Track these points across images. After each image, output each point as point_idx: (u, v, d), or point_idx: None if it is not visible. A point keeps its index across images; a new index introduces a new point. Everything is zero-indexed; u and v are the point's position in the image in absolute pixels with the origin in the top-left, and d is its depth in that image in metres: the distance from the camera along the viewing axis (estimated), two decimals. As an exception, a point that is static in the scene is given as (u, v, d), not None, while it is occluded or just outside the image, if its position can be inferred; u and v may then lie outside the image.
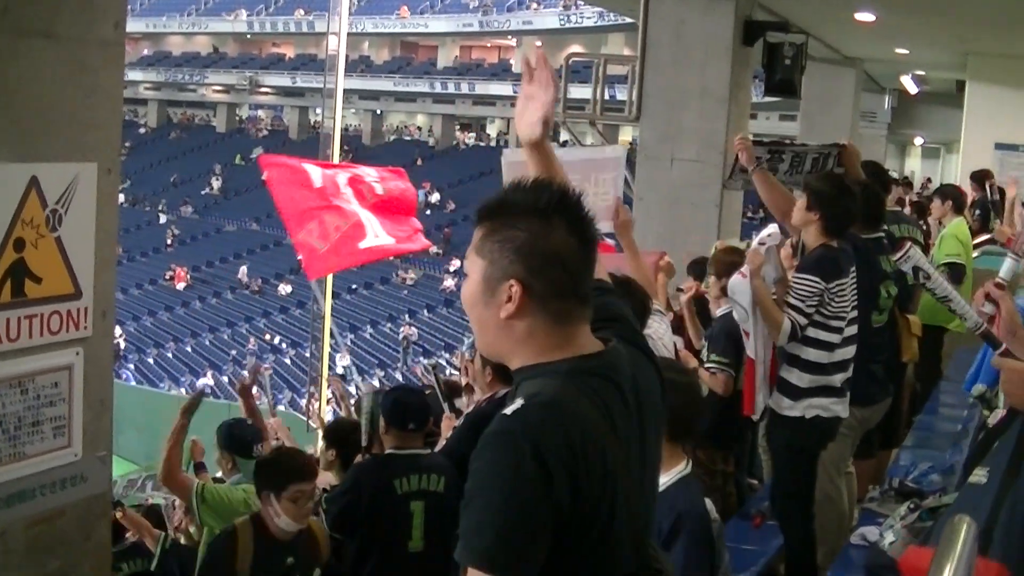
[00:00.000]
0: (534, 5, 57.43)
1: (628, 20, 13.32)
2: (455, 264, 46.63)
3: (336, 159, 29.19)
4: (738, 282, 6.34)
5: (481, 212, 2.83)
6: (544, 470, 2.55)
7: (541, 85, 3.21)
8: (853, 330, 6.29)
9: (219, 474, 7.92)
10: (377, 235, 14.43)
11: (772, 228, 6.78)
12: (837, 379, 6.24)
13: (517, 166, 6.07)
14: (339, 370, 38.70)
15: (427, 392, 8.23)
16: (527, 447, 2.56)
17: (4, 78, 3.51)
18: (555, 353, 2.77)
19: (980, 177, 12.74)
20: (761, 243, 6.47)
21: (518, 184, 2.82)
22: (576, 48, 45.37)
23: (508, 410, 2.67)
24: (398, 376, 39.51)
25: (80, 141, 3.78)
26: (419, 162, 59.99)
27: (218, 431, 7.52)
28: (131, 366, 44.85)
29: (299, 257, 15.64)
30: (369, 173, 14.26)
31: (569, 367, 2.76)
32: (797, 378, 6.20)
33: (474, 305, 2.83)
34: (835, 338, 6.20)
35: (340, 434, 7.50)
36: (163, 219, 61.78)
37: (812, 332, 6.17)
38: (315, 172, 14.17)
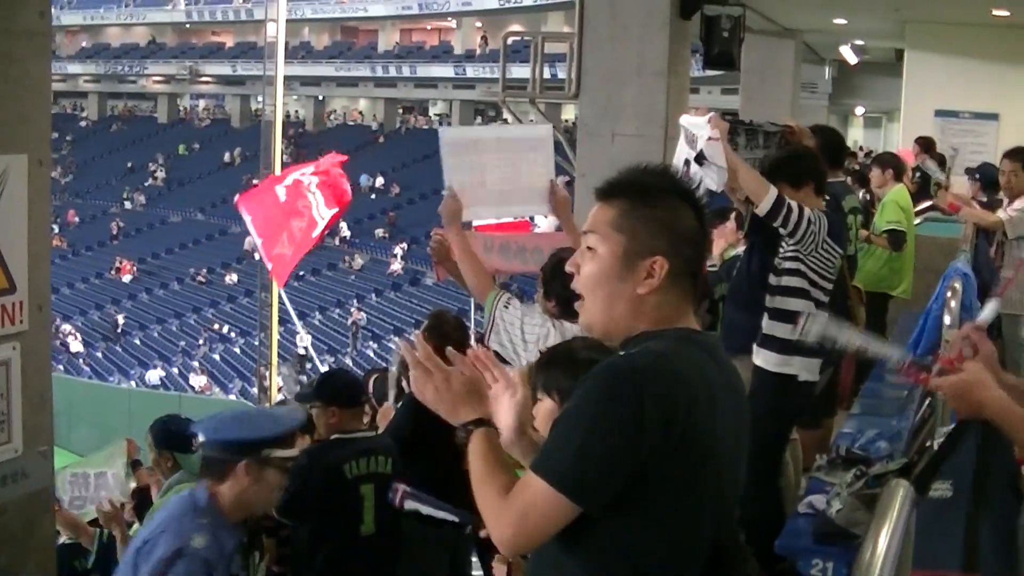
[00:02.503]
0: (473, -15, 57.34)
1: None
2: (401, 248, 46.54)
3: (278, 147, 29.12)
4: (711, 145, 6.35)
5: (614, 190, 2.93)
6: (639, 413, 2.64)
7: (504, 385, 3.17)
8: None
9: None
10: (323, 217, 14.95)
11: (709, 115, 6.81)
12: None
13: (458, 146, 6.03)
14: (300, 351, 38.63)
15: (376, 376, 8.26)
16: (629, 388, 2.67)
17: (-74, 71, 3.47)
18: (669, 324, 2.89)
19: (926, 143, 12.83)
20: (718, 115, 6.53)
21: (646, 167, 2.94)
22: (516, 27, 45.26)
23: (621, 353, 2.83)
24: (348, 362, 39.43)
25: (9, 133, 3.75)
26: (362, 147, 59.74)
27: (150, 431, 7.19)
28: (80, 360, 44.53)
29: (269, 268, 16.14)
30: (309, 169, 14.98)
31: (680, 335, 2.88)
32: (785, 331, 6.09)
33: (606, 279, 2.91)
34: (822, 297, 6.19)
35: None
36: (106, 212, 61.28)
37: (800, 283, 6.15)
38: (280, 189, 14.72)
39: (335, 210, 15.63)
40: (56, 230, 57.32)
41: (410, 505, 4.29)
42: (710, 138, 6.32)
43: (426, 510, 4.15)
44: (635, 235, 2.85)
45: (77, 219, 60.60)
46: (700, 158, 6.51)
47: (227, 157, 63.20)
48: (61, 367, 42.31)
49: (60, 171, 65.31)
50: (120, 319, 47.20)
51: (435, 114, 66.37)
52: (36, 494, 3.91)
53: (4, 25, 3.69)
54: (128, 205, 61.82)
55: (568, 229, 6.36)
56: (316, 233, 15.53)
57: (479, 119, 60.81)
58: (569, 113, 38.94)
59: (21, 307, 3.86)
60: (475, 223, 7.60)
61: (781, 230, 6.10)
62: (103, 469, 9.12)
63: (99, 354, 45.59)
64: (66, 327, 46.44)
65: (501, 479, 2.82)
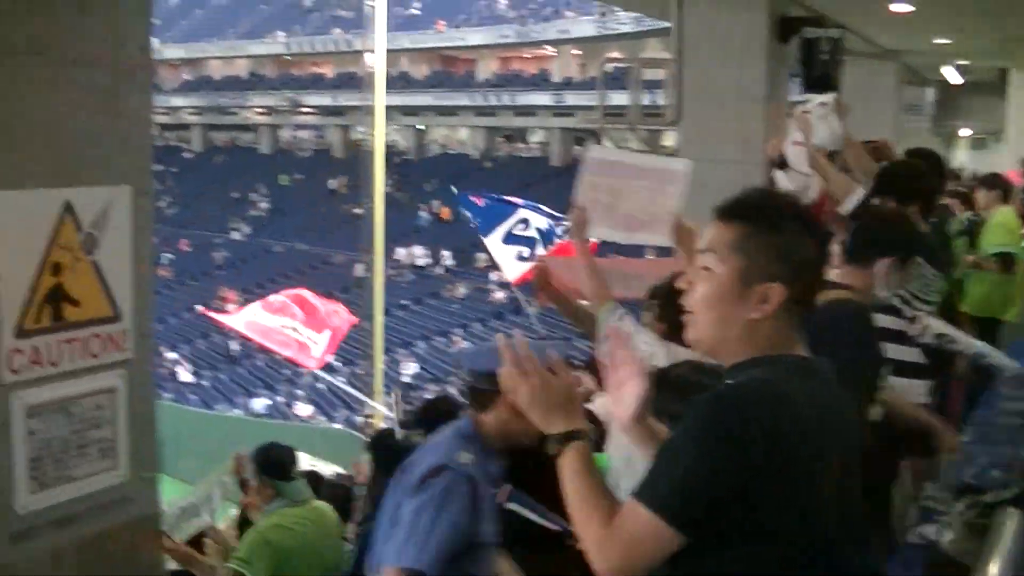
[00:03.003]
0: (570, 13, 57.38)
1: (664, 24, 13.30)
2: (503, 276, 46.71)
3: (380, 176, 29.34)
4: (794, 151, 6.30)
5: (735, 211, 2.91)
6: (745, 443, 2.63)
7: (634, 370, 3.17)
8: None
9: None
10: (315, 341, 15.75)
11: (825, 97, 6.76)
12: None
13: (601, 164, 6.05)
14: (406, 379, 38.84)
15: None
16: (735, 418, 2.66)
17: (31, 106, 3.54)
18: (778, 351, 2.86)
19: None
20: (806, 111, 6.47)
21: (765, 190, 2.96)
22: (614, 54, 45.23)
23: (727, 383, 2.82)
24: (452, 390, 39.50)
25: (112, 165, 3.81)
26: (464, 175, 59.98)
27: (252, 458, 7.23)
28: (187, 389, 45.05)
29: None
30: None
31: (789, 362, 2.85)
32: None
33: (719, 301, 2.89)
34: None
35: (382, 448, 7.45)
36: (210, 242, 62.03)
37: (896, 302, 5.86)
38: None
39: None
40: (163, 260, 58.22)
41: (512, 506, 4.30)
42: (794, 142, 6.28)
43: (527, 514, 4.15)
44: (753, 259, 2.82)
45: (189, 248, 61.38)
46: (783, 163, 6.47)
47: (329, 186, 63.74)
48: (168, 396, 42.86)
49: (165, 202, 66.33)
50: (234, 345, 47.70)
51: (535, 142, 66.50)
52: (142, 520, 3.97)
53: (106, 60, 3.76)
54: (233, 235, 62.54)
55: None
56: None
57: (578, 147, 60.86)
58: (668, 140, 38.85)
59: (126, 335, 3.91)
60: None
61: None
62: (203, 494, 9.22)
63: (205, 382, 46.09)
64: (172, 355, 47.05)
65: (603, 506, 2.80)
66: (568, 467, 2.93)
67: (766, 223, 2.85)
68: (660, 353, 5.34)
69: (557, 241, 15.27)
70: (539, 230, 15.45)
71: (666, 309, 5.39)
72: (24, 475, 3.55)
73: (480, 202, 16.99)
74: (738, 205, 2.91)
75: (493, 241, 16.08)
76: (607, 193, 5.82)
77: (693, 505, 2.65)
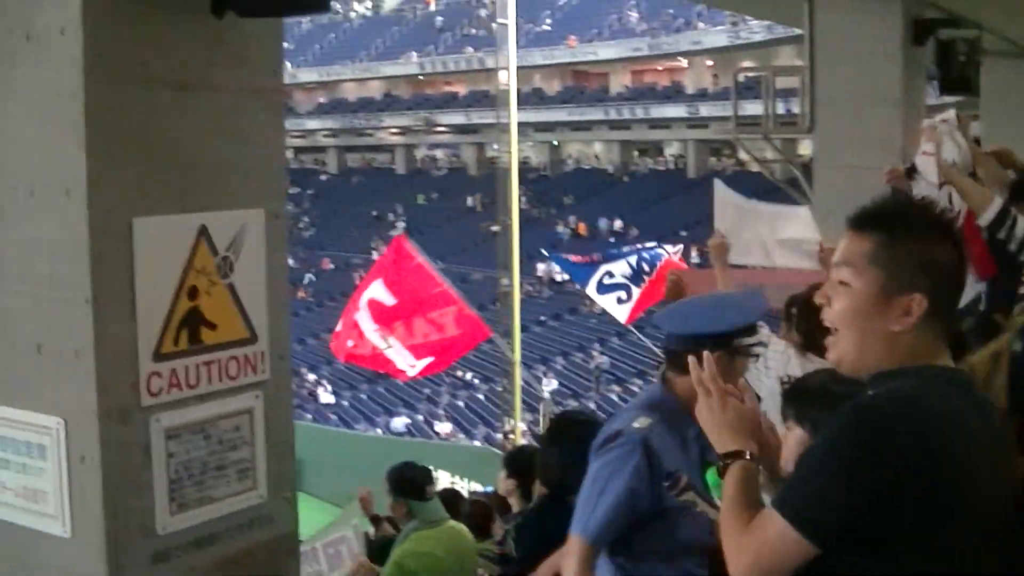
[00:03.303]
0: (701, 24, 57.11)
1: (797, 31, 13.18)
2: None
3: (515, 193, 29.44)
4: (923, 161, 6.21)
5: (870, 221, 2.86)
6: (885, 455, 2.60)
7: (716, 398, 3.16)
8: None
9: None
10: (413, 365, 15.12)
11: (946, 114, 6.68)
12: None
13: (728, 203, 6.08)
14: (545, 395, 38.92)
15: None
16: (876, 428, 2.63)
17: (165, 132, 3.59)
18: (921, 361, 2.81)
19: None
20: (932, 126, 6.39)
21: (906, 199, 2.92)
22: (747, 64, 44.92)
23: (869, 393, 2.78)
24: (591, 405, 39.48)
25: (245, 188, 3.85)
26: (599, 190, 59.95)
27: (387, 477, 7.28)
28: (327, 408, 45.53)
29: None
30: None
31: (932, 372, 2.80)
32: None
33: (859, 315, 2.84)
34: None
35: (520, 463, 7.37)
36: (348, 263, 62.70)
37: None
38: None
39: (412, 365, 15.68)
40: (302, 282, 58.99)
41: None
42: (923, 152, 6.20)
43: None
44: (893, 271, 2.76)
45: (331, 266, 62.10)
46: (912, 171, 6.37)
47: (467, 203, 64.08)
48: (309, 416, 43.37)
49: (302, 224, 67.19)
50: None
51: (671, 154, 66.29)
52: (281, 538, 4.00)
53: (237, 84, 3.81)
54: (373, 255, 63.17)
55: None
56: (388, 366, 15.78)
57: (714, 158, 60.56)
58: (805, 148, 38.45)
59: (262, 357, 3.95)
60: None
61: (1009, 247, 5.88)
62: (339, 534, 9.26)
63: (345, 402, 46.55)
64: (312, 376, 47.62)
65: (748, 514, 2.79)
66: (726, 483, 2.93)
67: (903, 231, 2.79)
68: (792, 361, 5.29)
69: (654, 269, 15.23)
70: (625, 275, 15.44)
71: (802, 320, 5.34)
72: (164, 496, 3.60)
73: (573, 259, 17.20)
74: (873, 214, 2.85)
75: (591, 291, 16.15)
76: (745, 222, 5.81)
77: (828, 516, 2.61)
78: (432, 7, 75.65)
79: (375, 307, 14.97)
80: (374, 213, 67.80)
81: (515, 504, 7.18)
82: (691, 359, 3.24)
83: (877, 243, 2.79)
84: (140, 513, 3.55)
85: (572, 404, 38.91)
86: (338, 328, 15.96)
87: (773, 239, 5.97)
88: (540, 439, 7.67)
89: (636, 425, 4.15)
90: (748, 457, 2.98)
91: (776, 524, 2.67)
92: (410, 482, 7.03)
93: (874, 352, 2.82)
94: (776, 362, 5.35)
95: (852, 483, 2.59)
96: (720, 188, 6.16)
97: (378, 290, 15.06)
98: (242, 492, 3.86)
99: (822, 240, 6.17)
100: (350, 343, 15.35)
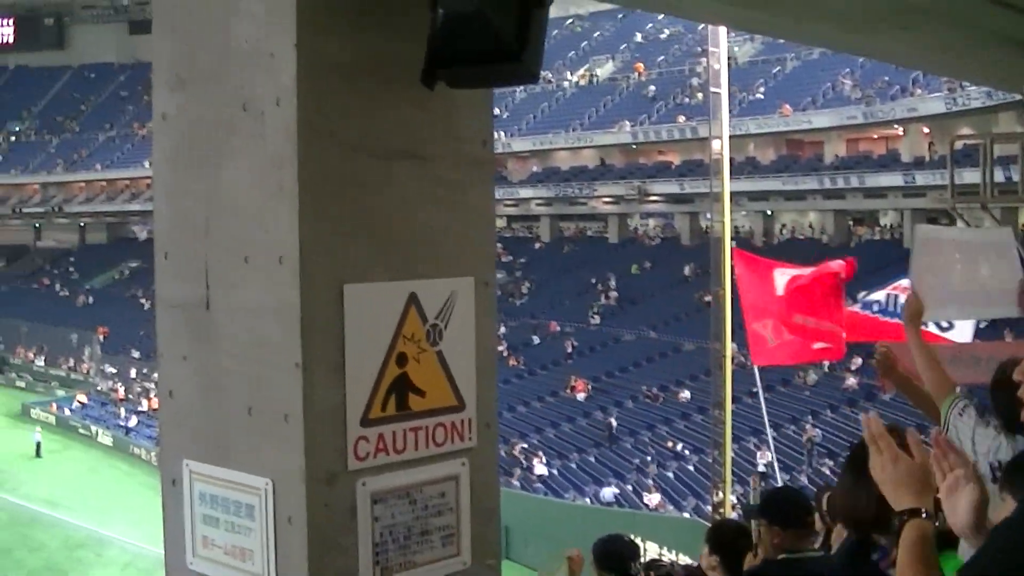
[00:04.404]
0: (918, 91, 56.11)
1: (1017, 97, 12.86)
2: (856, 362, 45.45)
3: (728, 262, 29.24)
4: None
5: None
6: None
7: (965, 475, 3.08)
8: None
9: None
10: (829, 344, 14.83)
11: None
12: None
13: (931, 244, 5.91)
14: (760, 468, 38.45)
15: (829, 492, 8.04)
16: None
17: (376, 200, 3.66)
18: None
19: None
20: None
21: None
22: (965, 131, 43.97)
23: None
24: (803, 479, 38.85)
25: (454, 257, 3.90)
26: (813, 261, 59.18)
27: (592, 549, 7.25)
28: (535, 477, 45.62)
29: (748, 342, 16.34)
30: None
31: None
32: None
33: None
34: None
35: (723, 538, 7.23)
36: (561, 331, 62.93)
37: None
38: (780, 280, 14.79)
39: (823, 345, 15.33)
40: (515, 350, 59.40)
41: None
42: None
43: None
44: None
45: (557, 329, 62.46)
46: None
47: (681, 273, 63.87)
48: (517, 484, 43.49)
49: (515, 292, 67.73)
50: (612, 421, 48.20)
51: (886, 224, 65.15)
52: (485, 606, 4.00)
53: (450, 157, 3.86)
54: (583, 324, 63.31)
55: None
56: (819, 346, 15.37)
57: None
58: (1025, 217, 37.50)
59: (469, 424, 3.98)
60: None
61: None
62: None
63: (554, 471, 46.58)
64: (522, 445, 47.83)
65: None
66: (904, 541, 2.87)
67: None
68: (1004, 446, 5.10)
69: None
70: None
71: (997, 397, 5.15)
72: (368, 560, 3.63)
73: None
74: None
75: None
76: (941, 273, 5.65)
77: None
78: (645, 77, 75.89)
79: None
80: (592, 280, 68.02)
81: None
82: (863, 416, 3.19)
83: None
84: (344, 575, 3.59)
85: (784, 477, 38.32)
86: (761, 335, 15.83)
87: (972, 280, 5.77)
88: (747, 511, 7.54)
89: None
90: (924, 515, 2.90)
91: None
92: (616, 556, 7.00)
93: None
94: (984, 446, 5.18)
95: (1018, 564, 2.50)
96: (921, 228, 5.98)
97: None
98: (446, 558, 3.88)
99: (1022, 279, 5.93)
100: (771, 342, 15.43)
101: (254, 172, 3.59)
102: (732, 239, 31.47)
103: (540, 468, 46.15)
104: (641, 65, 76.90)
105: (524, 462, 46.50)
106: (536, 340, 62.50)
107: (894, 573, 2.82)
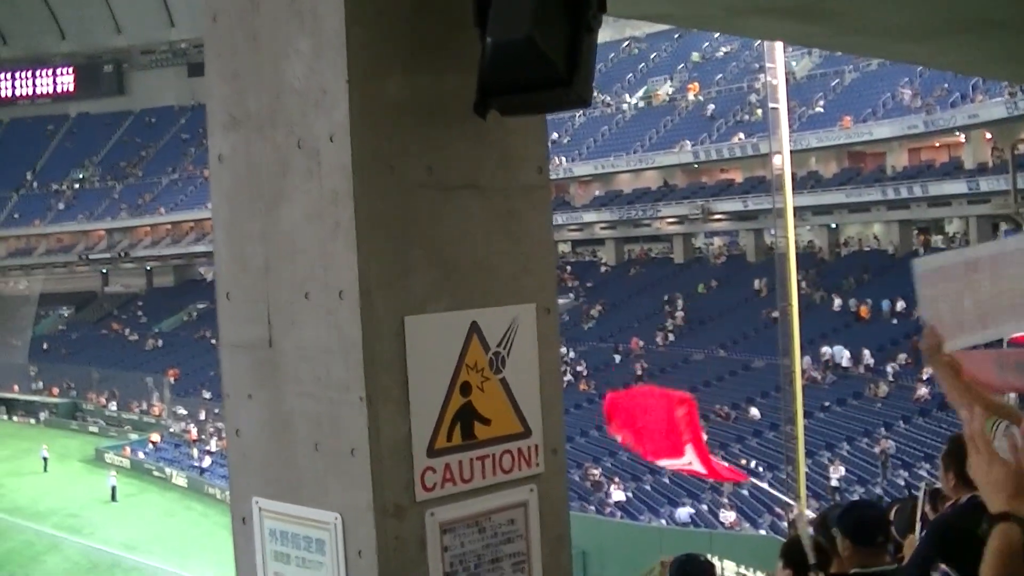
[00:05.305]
0: (979, 97, 55.61)
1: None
2: (926, 372, 45.05)
3: (794, 279, 29.12)
4: None
5: None
6: None
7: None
8: None
9: None
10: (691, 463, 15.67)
11: None
12: None
13: (931, 276, 5.81)
14: (833, 482, 38.18)
15: (899, 506, 7.98)
16: None
17: (435, 231, 3.68)
18: None
19: None
20: None
21: None
22: (1029, 136, 43.54)
23: None
24: (878, 492, 38.51)
25: (515, 284, 3.90)
26: (880, 272, 58.76)
27: (669, 568, 7.26)
28: (612, 501, 45.51)
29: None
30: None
31: None
32: None
33: None
34: None
35: (795, 553, 7.23)
36: (630, 354, 62.83)
37: None
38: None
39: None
40: (586, 372, 59.37)
41: None
42: None
43: None
44: None
45: (641, 343, 62.37)
46: None
47: (747, 291, 63.63)
48: (592, 508, 43.40)
49: (584, 317, 67.72)
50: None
51: (952, 232, 64.59)
52: (559, 633, 3.99)
53: (503, 183, 3.87)
54: (652, 346, 63.17)
55: None
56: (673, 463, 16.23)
57: (998, 235, 58.76)
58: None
59: (536, 450, 3.97)
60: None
61: None
62: None
63: (629, 494, 46.43)
64: (595, 471, 47.73)
65: None
66: (990, 546, 2.81)
67: None
68: None
69: None
70: None
71: None
72: (440, 590, 3.64)
73: None
74: None
75: None
76: (949, 301, 5.54)
77: None
78: (704, 96, 75.76)
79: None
80: (660, 301, 67.90)
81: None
82: (963, 412, 3.14)
83: None
84: (416, 606, 3.59)
85: (859, 491, 38.03)
86: None
87: (989, 298, 5.63)
88: (818, 526, 7.48)
89: None
90: (1014, 519, 2.85)
91: None
92: (690, 575, 6.96)
93: None
94: None
95: None
96: (918, 264, 5.89)
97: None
98: (518, 585, 3.88)
99: None
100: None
101: (311, 210, 3.61)
102: (797, 253, 31.32)
103: (617, 494, 45.99)
104: (696, 85, 76.80)
105: (604, 487, 46.41)
106: (606, 363, 62.39)
107: None
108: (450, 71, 3.68)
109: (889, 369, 49.33)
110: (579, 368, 61.59)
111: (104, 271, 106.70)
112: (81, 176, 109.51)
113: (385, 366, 3.54)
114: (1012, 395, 7.06)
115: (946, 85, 58.01)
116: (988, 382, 6.04)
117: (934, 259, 5.88)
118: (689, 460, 16.37)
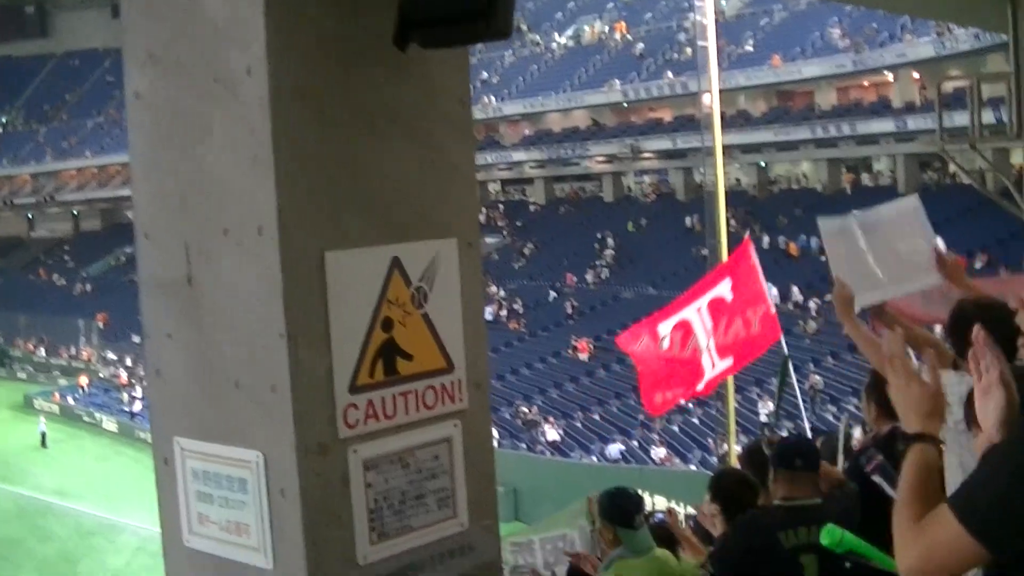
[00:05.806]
0: (907, 37, 55.92)
1: (1005, 38, 12.82)
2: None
3: (723, 217, 29.24)
4: None
5: None
6: None
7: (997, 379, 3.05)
8: None
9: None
10: (714, 365, 15.17)
11: None
12: None
13: (834, 235, 5.90)
14: (762, 418, 38.53)
15: (822, 438, 8.06)
16: None
17: (355, 165, 3.64)
18: None
19: None
20: None
21: None
22: (955, 74, 43.82)
23: None
24: (806, 426, 38.92)
25: (436, 219, 3.88)
26: (808, 211, 59.15)
27: (597, 500, 7.25)
28: (546, 440, 45.71)
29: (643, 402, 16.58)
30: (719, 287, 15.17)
31: None
32: None
33: None
34: None
35: (724, 487, 7.19)
36: (561, 293, 63.00)
37: None
38: (665, 327, 15.12)
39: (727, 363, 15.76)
40: (516, 312, 59.47)
41: (878, 479, 4.15)
42: None
43: (891, 492, 4.02)
44: None
45: (575, 280, 62.52)
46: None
47: (677, 229, 63.87)
48: (523, 446, 43.60)
49: (512, 256, 67.78)
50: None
51: (879, 170, 65.06)
52: (483, 567, 4.00)
53: (427, 117, 3.84)
54: (581, 285, 63.37)
55: (980, 285, 6.05)
56: (705, 380, 15.80)
57: (927, 173, 59.31)
58: (1017, 156, 37.40)
59: (460, 385, 3.96)
60: None
61: None
62: (560, 531, 9.32)
63: (560, 431, 46.67)
64: (526, 408, 47.92)
65: (921, 506, 2.70)
66: (907, 464, 2.85)
67: None
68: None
69: None
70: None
71: (954, 336, 5.12)
72: (364, 527, 3.63)
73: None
74: None
75: None
76: (854, 261, 5.63)
77: (1006, 522, 2.49)
78: (632, 35, 75.68)
79: (715, 305, 15.56)
80: (596, 236, 68.03)
81: (717, 528, 6.97)
82: (884, 334, 3.20)
83: None
84: (340, 543, 3.58)
85: (788, 426, 38.42)
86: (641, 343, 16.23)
87: (888, 258, 5.73)
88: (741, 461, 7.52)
89: None
90: (930, 440, 2.89)
91: (949, 523, 2.58)
92: (619, 509, 6.94)
93: None
94: (954, 395, 5.13)
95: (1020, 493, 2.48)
96: (823, 223, 5.97)
97: (724, 288, 15.69)
98: (442, 521, 3.88)
99: (935, 246, 5.89)
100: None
101: (229, 145, 3.56)
102: (727, 192, 31.45)
103: (552, 433, 46.18)
104: (623, 24, 76.67)
105: (539, 426, 46.57)
106: (538, 301, 62.54)
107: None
108: (370, 4, 3.63)
109: (812, 305, 49.74)
110: (515, 306, 61.71)
111: (30, 216, 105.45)
112: (4, 120, 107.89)
113: (305, 302, 3.51)
114: (937, 327, 7.12)
115: (875, 25, 58.24)
116: (912, 314, 6.11)
117: (834, 221, 5.97)
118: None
